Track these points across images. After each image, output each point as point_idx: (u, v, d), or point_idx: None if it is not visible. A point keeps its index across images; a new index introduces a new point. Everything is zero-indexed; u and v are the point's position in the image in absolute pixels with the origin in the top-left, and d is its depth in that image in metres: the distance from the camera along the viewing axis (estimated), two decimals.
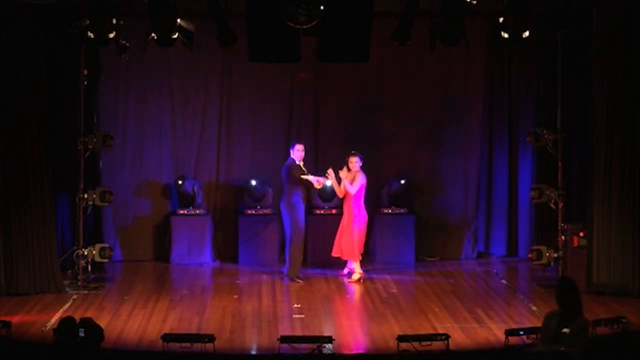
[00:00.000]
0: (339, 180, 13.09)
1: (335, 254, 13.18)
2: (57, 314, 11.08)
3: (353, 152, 13.15)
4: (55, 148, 12.81)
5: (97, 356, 7.75)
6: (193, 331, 10.31)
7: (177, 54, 13.50)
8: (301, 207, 13.08)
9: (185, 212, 14.25)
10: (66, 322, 7.72)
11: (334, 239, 13.23)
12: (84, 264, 12.66)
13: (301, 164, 13.12)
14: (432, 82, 14.59)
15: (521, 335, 9.65)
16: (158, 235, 14.54)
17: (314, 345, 9.36)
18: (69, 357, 7.52)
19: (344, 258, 13.18)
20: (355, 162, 13.05)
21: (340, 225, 13.16)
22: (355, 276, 13.00)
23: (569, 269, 12.55)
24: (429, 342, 9.36)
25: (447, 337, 9.48)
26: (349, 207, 13.06)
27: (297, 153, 13.07)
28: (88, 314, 10.34)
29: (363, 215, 13.06)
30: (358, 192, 13.02)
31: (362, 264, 13.28)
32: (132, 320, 10.98)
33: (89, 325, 7.82)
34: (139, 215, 14.51)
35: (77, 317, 8.08)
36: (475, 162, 14.72)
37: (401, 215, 14.35)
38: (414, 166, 14.65)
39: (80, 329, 7.69)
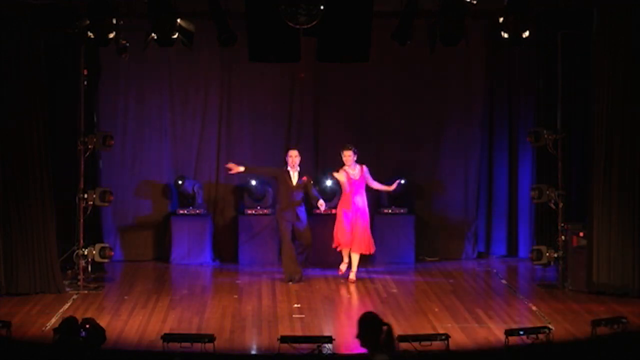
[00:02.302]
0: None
1: (345, 246, 12.97)
2: (57, 314, 11.08)
3: (347, 145, 13.04)
4: (55, 148, 12.81)
5: (98, 356, 7.74)
6: (193, 331, 10.31)
7: (177, 54, 13.51)
8: (285, 215, 12.99)
9: (185, 212, 14.25)
10: (68, 322, 7.71)
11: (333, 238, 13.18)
12: (84, 264, 12.66)
13: (292, 172, 13.02)
14: (432, 82, 14.58)
15: (521, 335, 9.65)
16: (158, 235, 14.54)
17: (314, 345, 9.35)
18: (70, 357, 7.51)
19: (361, 252, 12.95)
20: (348, 156, 12.94)
21: (352, 220, 12.95)
22: (352, 276, 12.94)
23: (569, 269, 12.56)
24: (429, 342, 9.34)
25: (447, 337, 9.47)
26: (362, 201, 12.97)
27: (289, 159, 13.00)
28: (88, 314, 10.33)
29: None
30: (361, 184, 12.99)
31: (362, 263, 13.27)
32: (132, 320, 10.98)
33: (91, 325, 7.82)
34: (139, 215, 14.52)
35: (77, 317, 8.08)
36: (475, 162, 14.72)
37: (401, 215, 14.35)
38: (414, 166, 14.65)
39: (82, 330, 7.68)
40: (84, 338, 7.57)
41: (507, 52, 14.25)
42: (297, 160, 13.02)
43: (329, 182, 13.37)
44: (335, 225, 13.09)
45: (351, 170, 13.02)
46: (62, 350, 7.50)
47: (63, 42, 12.74)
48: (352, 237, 12.97)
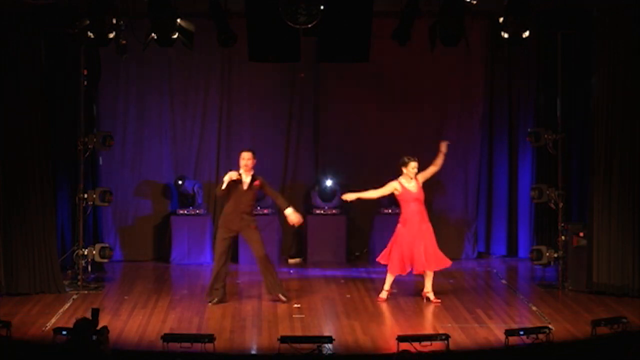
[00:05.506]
0: None
1: (419, 269, 11.79)
2: (57, 314, 11.08)
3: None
4: (55, 148, 12.81)
5: (97, 356, 7.75)
6: (193, 331, 10.31)
7: (177, 54, 13.51)
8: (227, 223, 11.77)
9: (185, 212, 14.25)
10: (83, 324, 7.73)
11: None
12: (84, 264, 12.67)
13: (242, 175, 11.57)
14: (432, 82, 14.58)
15: (521, 335, 9.65)
16: (158, 235, 14.55)
17: (314, 345, 9.35)
18: (83, 358, 7.53)
19: (434, 270, 11.86)
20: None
21: (410, 237, 11.92)
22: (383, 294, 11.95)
23: (569, 269, 12.56)
24: (429, 342, 9.36)
25: (447, 337, 9.48)
26: (423, 214, 12.00)
27: (242, 161, 11.55)
28: (88, 314, 10.31)
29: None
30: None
31: (362, 263, 13.24)
32: (132, 320, 10.97)
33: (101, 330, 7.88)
34: (139, 215, 14.52)
35: (77, 317, 8.09)
36: (475, 162, 14.72)
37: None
38: None
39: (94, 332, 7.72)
40: (95, 340, 7.60)
41: (507, 52, 14.25)
42: (251, 163, 11.54)
43: (328, 183, 13.28)
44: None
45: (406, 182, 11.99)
46: (74, 351, 7.52)
47: (63, 42, 12.74)
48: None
